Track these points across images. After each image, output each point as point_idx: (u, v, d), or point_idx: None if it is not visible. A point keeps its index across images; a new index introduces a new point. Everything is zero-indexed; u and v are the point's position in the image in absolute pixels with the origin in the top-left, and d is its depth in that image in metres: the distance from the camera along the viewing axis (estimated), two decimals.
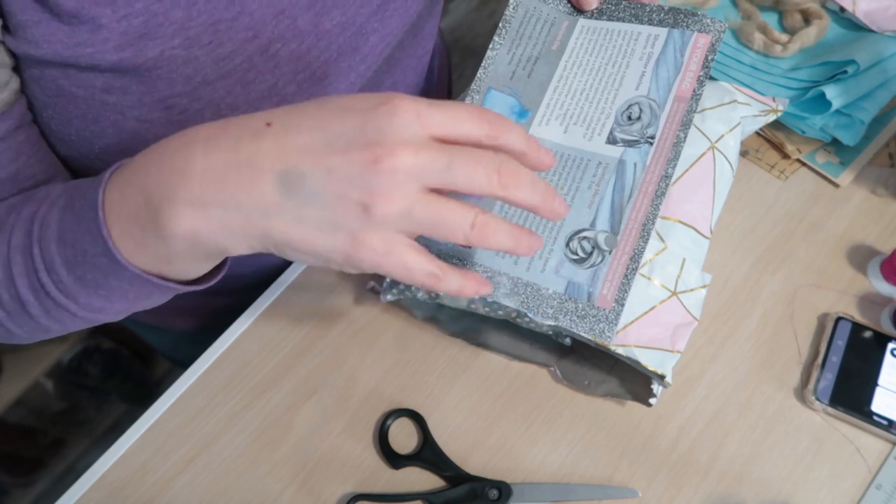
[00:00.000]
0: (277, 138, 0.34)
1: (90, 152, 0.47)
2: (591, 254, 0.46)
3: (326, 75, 0.52)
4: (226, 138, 0.35)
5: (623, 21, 0.51)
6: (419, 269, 0.36)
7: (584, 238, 0.47)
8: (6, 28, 0.41)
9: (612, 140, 0.48)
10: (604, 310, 0.46)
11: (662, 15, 0.50)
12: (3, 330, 0.46)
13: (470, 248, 0.49)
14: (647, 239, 0.46)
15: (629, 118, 0.49)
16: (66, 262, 0.40)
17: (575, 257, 0.47)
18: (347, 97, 0.35)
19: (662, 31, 0.50)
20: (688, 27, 0.49)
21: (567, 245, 0.47)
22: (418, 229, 0.35)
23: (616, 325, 0.45)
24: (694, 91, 0.48)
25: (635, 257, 0.46)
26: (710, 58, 0.49)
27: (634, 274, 0.46)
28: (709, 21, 0.49)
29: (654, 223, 0.47)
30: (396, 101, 0.33)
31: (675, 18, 0.50)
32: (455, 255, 0.49)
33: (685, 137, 0.48)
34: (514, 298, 0.47)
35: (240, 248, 0.36)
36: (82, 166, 0.49)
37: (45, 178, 0.48)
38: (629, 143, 0.48)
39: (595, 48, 0.51)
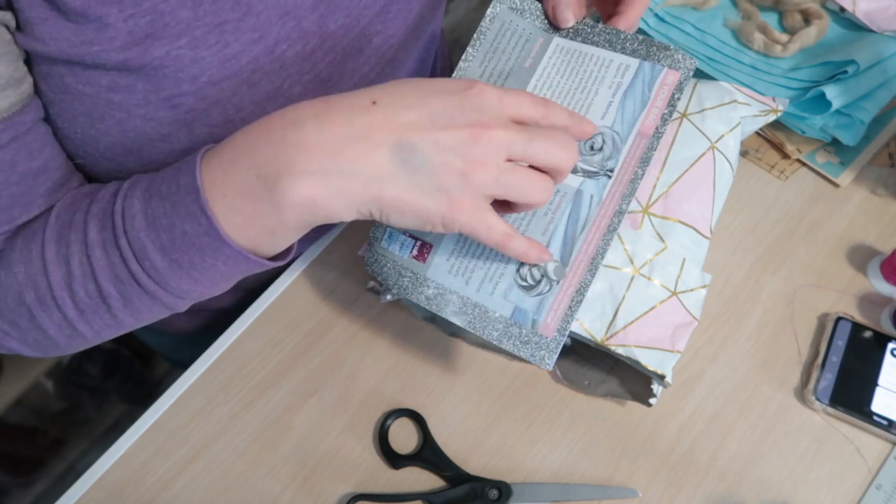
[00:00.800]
0: (387, 115, 0.38)
1: (95, 150, 0.48)
2: (539, 282, 0.47)
3: (331, 77, 0.52)
4: (335, 114, 0.38)
5: (597, 45, 0.50)
6: (497, 228, 0.40)
7: (535, 266, 0.47)
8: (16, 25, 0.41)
9: (573, 169, 0.48)
10: (546, 338, 0.46)
11: (636, 45, 0.49)
12: (68, 331, 0.46)
13: (424, 262, 0.49)
14: (595, 273, 0.47)
15: (591, 148, 0.48)
16: (160, 247, 0.42)
17: (524, 284, 0.47)
18: (436, 81, 0.40)
19: (634, 62, 0.49)
20: (659, 61, 0.49)
21: (518, 271, 0.47)
22: (503, 193, 0.40)
23: (556, 353, 0.46)
24: (657, 129, 0.48)
25: (581, 290, 0.46)
26: (676, 96, 0.48)
27: (579, 306, 0.46)
28: (679, 57, 0.49)
29: (602, 258, 0.47)
30: (480, 86, 0.39)
31: (648, 50, 0.49)
32: (409, 269, 0.49)
33: (643, 175, 0.48)
34: (462, 317, 0.48)
35: (349, 213, 0.40)
36: (87, 164, 0.49)
37: (68, 169, 0.48)
38: (588, 174, 0.48)
39: (566, 70, 0.50)
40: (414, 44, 0.59)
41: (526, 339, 0.46)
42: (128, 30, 0.42)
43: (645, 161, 0.48)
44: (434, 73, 0.70)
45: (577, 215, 0.47)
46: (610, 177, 0.47)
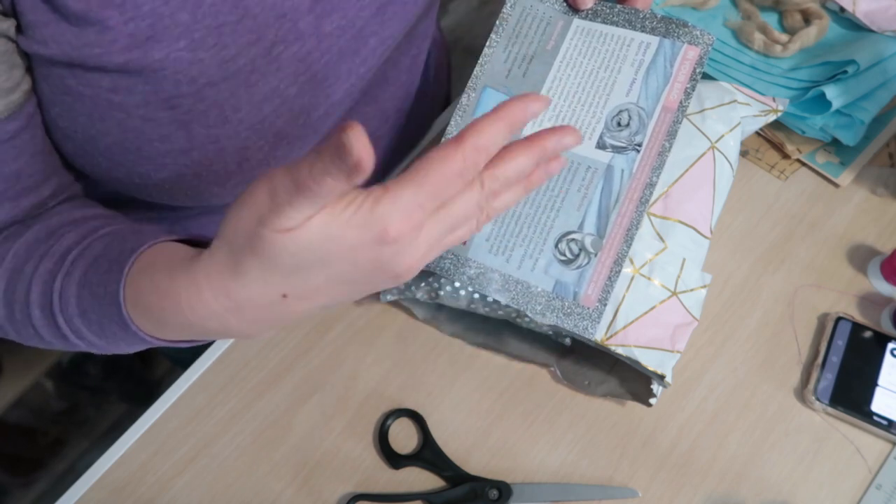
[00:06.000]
0: (305, 301, 0.36)
1: (95, 150, 0.48)
2: (577, 255, 0.49)
3: (327, 77, 0.52)
4: (251, 308, 0.36)
5: (617, 25, 0.52)
6: (457, 241, 0.38)
7: (573, 240, 0.49)
8: (18, 27, 0.42)
9: (601, 145, 0.50)
10: (588, 308, 0.48)
11: (655, 23, 0.51)
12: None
13: (464, 243, 0.50)
14: (630, 244, 0.49)
15: (619, 124, 0.50)
16: (94, 333, 0.44)
17: (563, 258, 0.49)
18: (343, 244, 0.33)
19: (654, 40, 0.51)
20: (678, 38, 0.51)
21: (556, 246, 0.49)
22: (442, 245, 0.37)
23: (598, 322, 0.48)
24: (681, 102, 0.50)
25: (619, 261, 0.48)
26: (697, 70, 0.50)
27: (618, 276, 0.48)
28: (698, 33, 0.50)
29: (637, 229, 0.49)
30: (391, 231, 0.33)
31: (667, 28, 0.51)
32: (450, 251, 0.51)
33: (670, 147, 0.50)
34: (505, 294, 0.49)
35: None
36: (88, 164, 0.50)
37: (42, 178, 0.49)
38: (617, 150, 0.50)
39: (589, 51, 0.52)
40: (407, 42, 0.60)
41: (569, 310, 0.48)
42: (128, 32, 0.42)
43: (671, 134, 0.50)
44: (428, 69, 0.70)
45: (609, 189, 0.49)
46: (638, 151, 0.49)
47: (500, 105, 0.34)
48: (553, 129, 0.36)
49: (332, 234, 0.33)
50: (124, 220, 0.51)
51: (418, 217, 0.33)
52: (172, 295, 0.38)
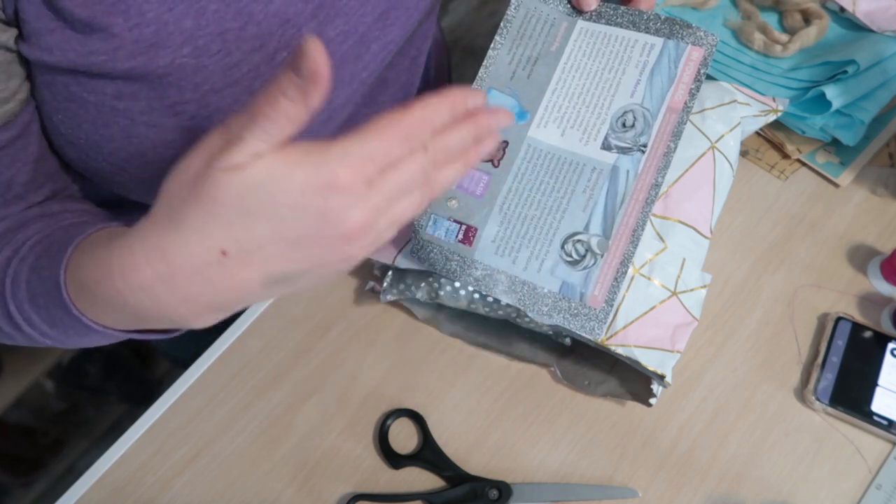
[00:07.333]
0: (245, 262, 0.34)
1: (99, 155, 0.48)
2: (584, 256, 0.49)
3: (329, 82, 0.52)
4: (184, 275, 0.34)
5: (621, 27, 0.52)
6: (406, 214, 0.36)
7: (579, 241, 0.49)
8: (20, 35, 0.42)
9: (606, 146, 0.50)
10: (594, 309, 0.48)
11: (659, 24, 0.51)
12: None
13: (471, 245, 0.50)
14: (637, 244, 0.49)
15: (623, 125, 0.50)
16: (44, 320, 0.43)
17: (569, 259, 0.49)
18: (291, 186, 0.32)
19: (658, 41, 0.51)
20: (682, 39, 0.51)
21: (562, 247, 0.49)
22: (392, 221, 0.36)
23: (605, 323, 0.48)
24: (685, 103, 0.50)
25: (625, 261, 0.48)
26: (702, 71, 0.51)
27: (624, 277, 0.48)
28: (702, 34, 0.51)
29: (643, 229, 0.49)
30: (342, 178, 0.32)
31: (671, 29, 0.51)
32: (456, 253, 0.50)
33: (675, 148, 0.50)
34: (512, 295, 0.49)
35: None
36: (91, 169, 0.50)
37: (35, 186, 0.49)
38: (623, 151, 0.50)
39: (593, 52, 0.52)
40: (406, 45, 0.60)
41: (575, 311, 0.49)
42: (133, 39, 0.42)
43: (676, 135, 0.50)
44: (428, 71, 0.70)
45: (615, 190, 0.49)
46: (644, 151, 0.50)
47: (444, 90, 0.35)
48: (487, 109, 0.37)
49: (280, 174, 0.32)
50: (103, 216, 0.50)
51: (368, 170, 0.33)
52: (107, 263, 0.36)
